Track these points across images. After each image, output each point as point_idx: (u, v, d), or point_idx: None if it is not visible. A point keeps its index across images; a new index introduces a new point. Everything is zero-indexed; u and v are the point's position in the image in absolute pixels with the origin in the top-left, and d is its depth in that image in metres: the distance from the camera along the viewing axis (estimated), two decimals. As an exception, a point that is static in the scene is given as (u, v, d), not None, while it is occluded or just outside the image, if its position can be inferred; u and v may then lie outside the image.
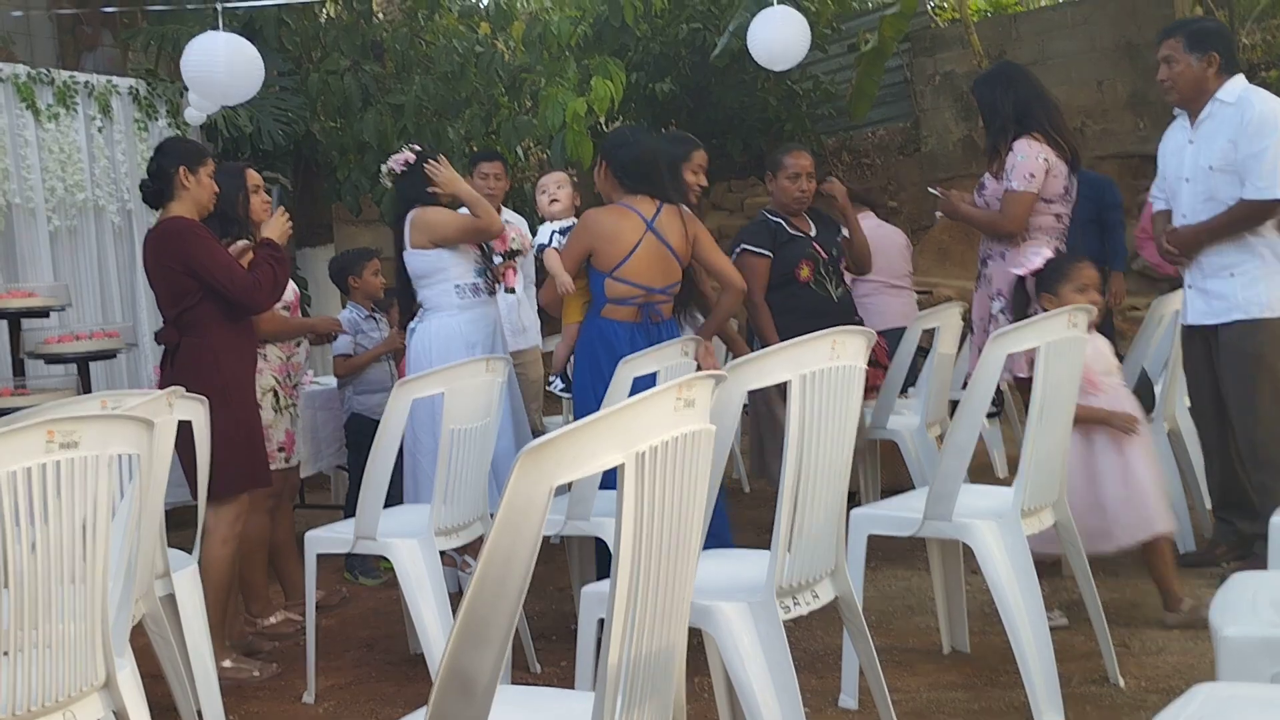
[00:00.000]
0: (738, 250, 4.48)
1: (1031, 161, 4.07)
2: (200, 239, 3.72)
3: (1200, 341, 4.00)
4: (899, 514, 3.09)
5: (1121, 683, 3.17)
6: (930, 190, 4.43)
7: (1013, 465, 4.72)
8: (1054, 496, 3.11)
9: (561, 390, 4.29)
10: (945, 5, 14.44)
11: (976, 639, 3.57)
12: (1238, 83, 3.86)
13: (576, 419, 3.26)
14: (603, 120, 9.20)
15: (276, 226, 3.94)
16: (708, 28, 11.33)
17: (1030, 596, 2.91)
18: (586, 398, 3.78)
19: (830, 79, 12.26)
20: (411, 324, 4.49)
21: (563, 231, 4.33)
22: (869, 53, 10.73)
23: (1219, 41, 3.85)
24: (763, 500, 6.05)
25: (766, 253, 4.48)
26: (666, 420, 1.47)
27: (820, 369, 2.29)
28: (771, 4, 8.39)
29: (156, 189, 3.84)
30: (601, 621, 2.49)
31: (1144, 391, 4.39)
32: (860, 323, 4.52)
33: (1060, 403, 3.02)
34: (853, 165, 12.41)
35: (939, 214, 4.64)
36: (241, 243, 3.97)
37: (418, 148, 4.45)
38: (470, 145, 7.80)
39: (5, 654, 2.06)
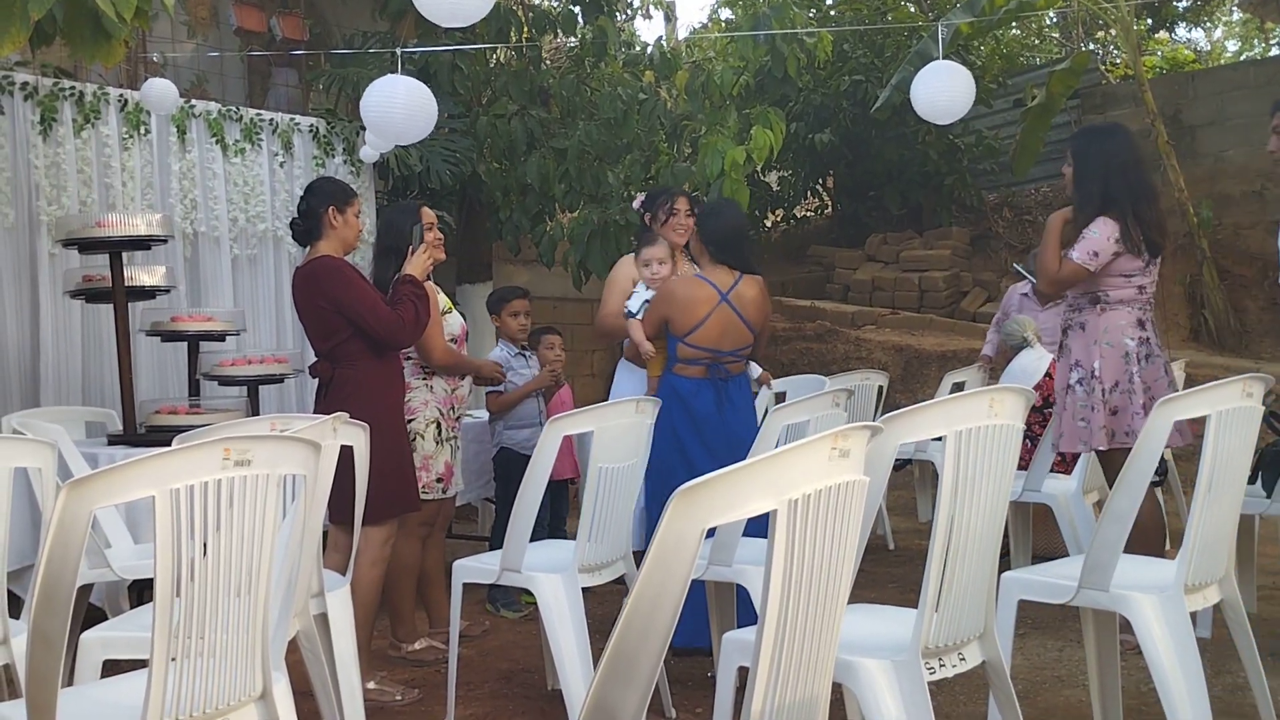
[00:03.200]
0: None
1: (1101, 242, 3.98)
2: (347, 279, 3.87)
3: None
4: (1053, 580, 2.99)
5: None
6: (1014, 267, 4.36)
7: (1174, 537, 4.53)
8: (1220, 573, 2.97)
9: None
10: (1118, 62, 14.08)
11: (1131, 717, 3.41)
12: None
13: (650, 461, 3.65)
14: (760, 169, 9.24)
15: (418, 264, 4.06)
16: (869, 80, 11.32)
17: (1193, 678, 2.77)
18: (660, 440, 3.96)
19: (994, 134, 12.09)
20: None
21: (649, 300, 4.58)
22: (1035, 108, 10.53)
23: None
24: (907, 558, 5.94)
25: None
26: (820, 469, 1.46)
27: (977, 426, 2.25)
28: (934, 56, 8.34)
29: (306, 228, 4.00)
30: (740, 670, 2.49)
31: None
32: None
33: (1230, 475, 2.89)
34: (1014, 221, 12.16)
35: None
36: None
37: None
38: (629, 190, 7.93)
39: (174, 660, 2.16)
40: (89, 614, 4.17)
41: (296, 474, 2.30)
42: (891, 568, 5.74)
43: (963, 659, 2.38)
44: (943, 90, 5.35)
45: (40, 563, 1.97)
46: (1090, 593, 2.87)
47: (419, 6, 4.16)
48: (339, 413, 3.13)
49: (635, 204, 5.08)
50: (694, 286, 4.26)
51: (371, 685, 3.87)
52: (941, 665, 2.33)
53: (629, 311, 4.64)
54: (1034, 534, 5.18)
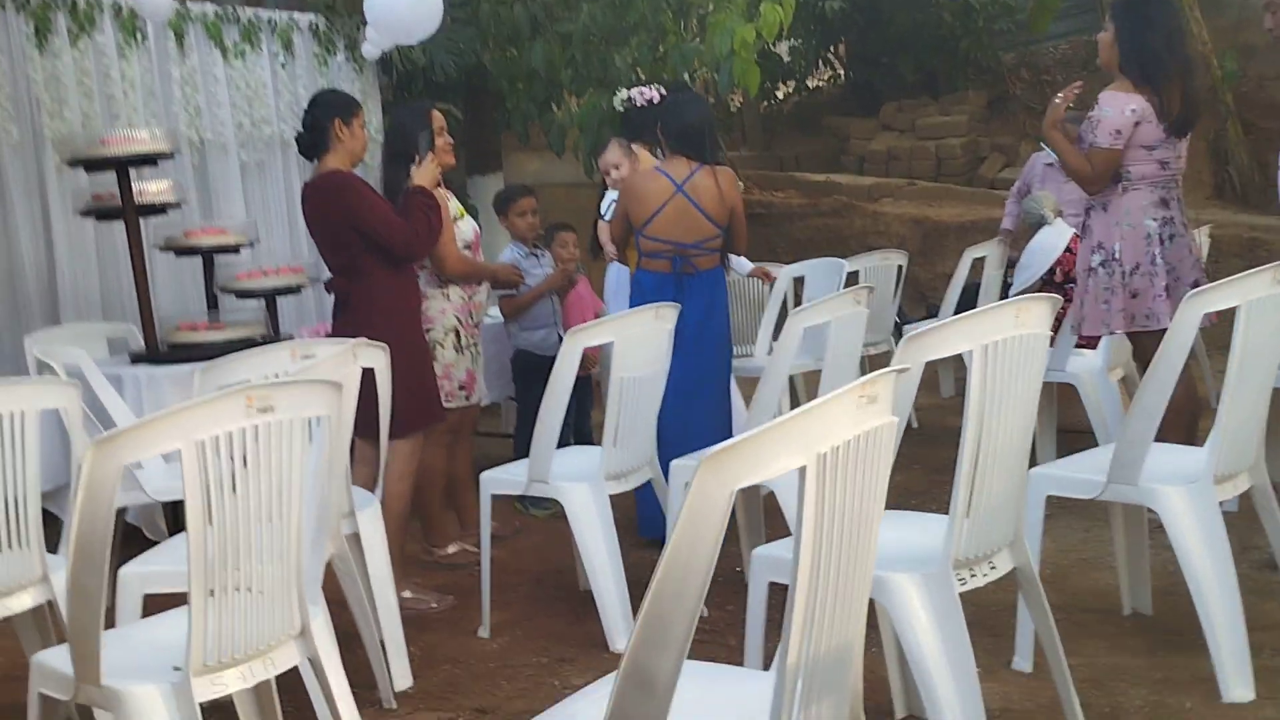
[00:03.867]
0: None
1: (1117, 116, 3.84)
2: (358, 193, 3.82)
3: None
4: (1081, 475, 2.99)
5: (1316, 658, 3.02)
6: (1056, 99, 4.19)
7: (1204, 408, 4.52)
8: (1250, 461, 2.96)
9: None
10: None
11: (1159, 599, 3.45)
12: None
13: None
14: (771, 44, 9.01)
15: (427, 173, 4.00)
16: (881, -59, 10.93)
17: (1221, 565, 2.79)
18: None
19: (1010, -9, 11.70)
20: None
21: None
22: (1054, -37, 10.19)
23: None
24: (931, 436, 5.95)
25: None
26: (849, 419, 1.44)
27: (1003, 338, 2.22)
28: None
29: (312, 141, 3.93)
30: (771, 585, 2.51)
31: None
32: None
33: (1261, 364, 2.85)
34: (1032, 82, 11.86)
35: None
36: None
37: (662, 91, 4.87)
38: (637, 71, 7.75)
39: (211, 594, 2.19)
40: (127, 532, 4.25)
41: (320, 416, 2.30)
42: (916, 447, 5.73)
43: (994, 568, 2.39)
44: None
45: (73, 521, 1.99)
46: (1119, 487, 2.88)
47: (371, 23, 4.01)
48: (359, 338, 3.12)
49: (647, 94, 5.01)
50: (649, 179, 4.34)
51: (407, 594, 3.93)
52: (973, 575, 2.35)
53: (600, 215, 4.75)
54: (1059, 408, 5.16)
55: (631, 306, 4.33)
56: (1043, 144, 5.11)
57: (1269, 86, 10.21)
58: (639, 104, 4.97)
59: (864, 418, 1.47)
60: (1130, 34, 3.91)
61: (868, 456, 1.51)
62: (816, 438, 1.39)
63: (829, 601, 1.52)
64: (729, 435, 4.18)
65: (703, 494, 1.31)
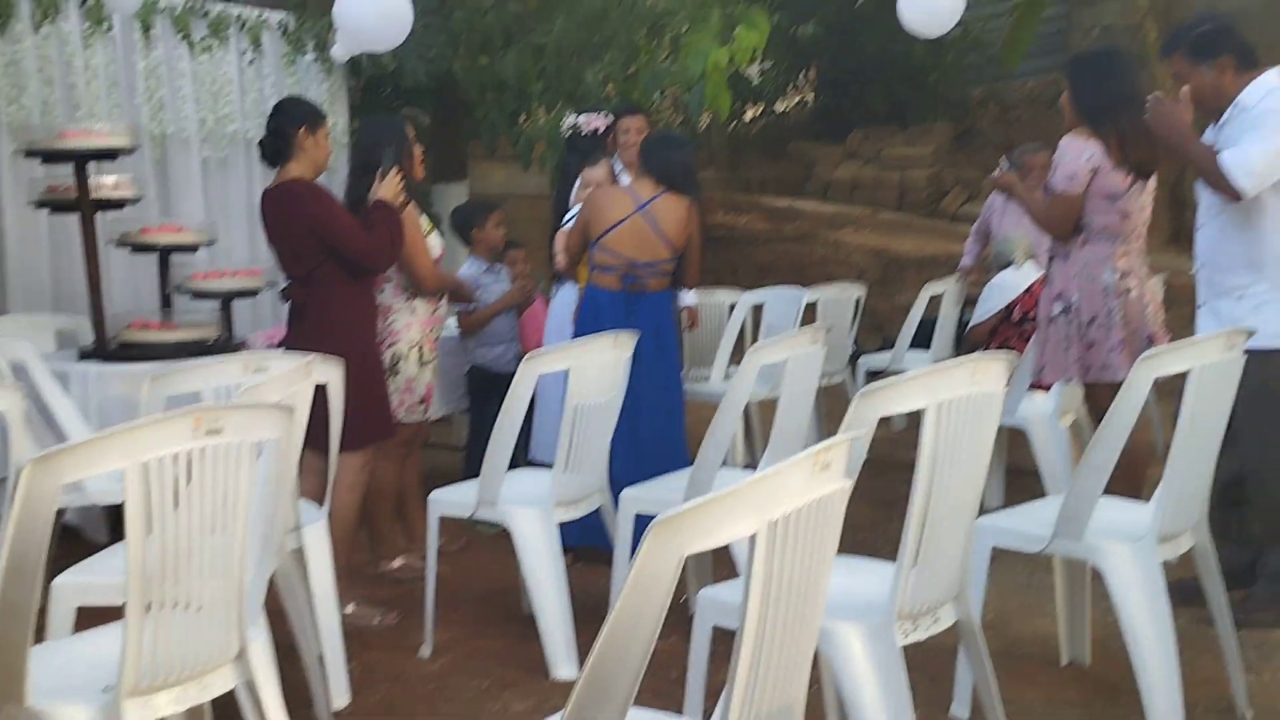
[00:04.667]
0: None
1: (1073, 161, 3.87)
2: (322, 202, 3.79)
3: None
4: (1027, 528, 3.01)
5: (1249, 715, 3.06)
6: (1001, 163, 4.27)
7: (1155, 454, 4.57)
8: (1193, 521, 3.00)
9: None
10: (1110, -50, 13.76)
11: (1098, 649, 3.48)
12: (1267, 79, 3.52)
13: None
14: (742, 68, 9.04)
15: (389, 187, 3.98)
16: (857, -30, 11.02)
17: (1161, 624, 2.82)
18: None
19: (981, 26, 11.83)
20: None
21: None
22: (1026, 1, 10.30)
23: (1227, 41, 3.52)
24: (880, 470, 5.94)
25: None
26: (802, 486, 1.44)
27: (959, 396, 2.23)
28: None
29: (276, 147, 3.89)
30: (715, 628, 2.51)
31: None
32: None
33: (1209, 427, 2.89)
34: (999, 117, 12.02)
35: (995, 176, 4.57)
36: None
37: (609, 120, 4.97)
38: (608, 87, 7.75)
39: (149, 608, 2.15)
40: (65, 533, 4.17)
41: (269, 439, 2.27)
42: (866, 479, 5.71)
43: (937, 620, 2.40)
44: (929, 1, 5.21)
45: (6, 535, 1.94)
46: (1064, 542, 2.90)
47: (339, 29, 3.99)
48: (313, 355, 3.08)
49: (594, 122, 5.02)
50: (613, 193, 4.47)
51: (350, 609, 3.89)
52: (916, 628, 2.35)
53: (558, 227, 4.83)
54: (1009, 448, 5.20)
55: (580, 320, 4.47)
56: (1006, 163, 5.11)
57: (1228, 137, 10.39)
58: (584, 132, 5.05)
59: (817, 484, 1.47)
60: (1082, 86, 3.95)
61: (819, 522, 1.51)
62: (768, 504, 1.39)
63: (773, 664, 1.52)
64: (679, 459, 4.26)
65: (651, 559, 1.30)
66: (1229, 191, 3.47)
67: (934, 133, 11.65)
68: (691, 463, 3.56)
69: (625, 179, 5.08)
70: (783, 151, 12.79)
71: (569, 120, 5.06)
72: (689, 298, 5.73)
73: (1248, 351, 3.27)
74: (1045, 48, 11.63)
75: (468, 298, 4.82)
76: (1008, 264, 5.41)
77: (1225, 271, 3.60)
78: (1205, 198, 3.66)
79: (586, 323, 4.38)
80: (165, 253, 4.92)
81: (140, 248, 4.90)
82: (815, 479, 1.46)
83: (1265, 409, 3.56)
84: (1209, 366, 2.79)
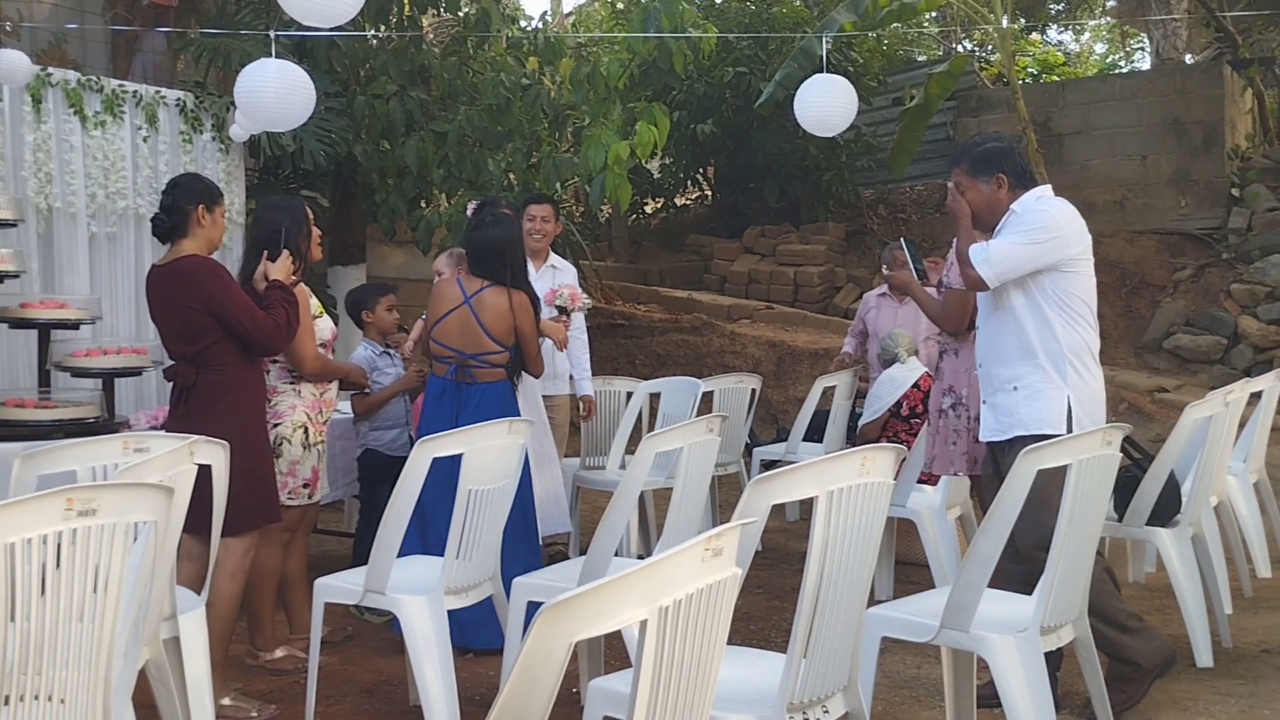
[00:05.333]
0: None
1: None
2: (222, 280, 3.73)
3: (992, 457, 3.84)
4: (915, 618, 3.04)
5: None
6: (896, 245, 4.39)
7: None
8: (1075, 613, 3.06)
9: None
10: (993, 60, 14.42)
11: (983, 741, 3.51)
12: (1036, 191, 3.72)
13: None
14: (643, 161, 9.21)
15: (282, 268, 3.95)
16: (753, 72, 11.37)
17: (1044, 713, 2.86)
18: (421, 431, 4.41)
19: (872, 131, 12.27)
20: None
21: None
22: (914, 109, 10.73)
23: (1004, 161, 3.72)
24: (774, 561, 6.00)
25: None
26: (693, 572, 1.44)
27: (849, 485, 2.26)
28: (818, 54, 8.40)
29: (171, 224, 3.83)
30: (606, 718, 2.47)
31: (1171, 495, 4.33)
32: None
33: (1088, 520, 2.97)
34: (888, 219, 12.40)
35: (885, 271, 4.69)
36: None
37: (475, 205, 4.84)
38: (510, 177, 7.81)
39: (7, 700, 2.04)
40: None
41: (146, 521, 2.19)
42: (759, 570, 5.80)
43: (826, 712, 2.40)
44: (825, 103, 5.39)
45: None
46: (951, 633, 2.93)
47: (284, 5, 3.99)
48: (197, 435, 3.00)
49: (469, 210, 5.02)
50: (446, 286, 4.52)
51: (226, 701, 3.74)
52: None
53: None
54: (896, 541, 5.28)
55: (423, 408, 4.58)
56: (903, 245, 5.23)
57: (1104, 243, 10.87)
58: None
59: (708, 570, 1.47)
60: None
61: (710, 608, 1.50)
62: (659, 591, 1.38)
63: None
64: (532, 551, 4.22)
65: (540, 644, 1.28)
66: (973, 278, 3.65)
67: (827, 231, 11.97)
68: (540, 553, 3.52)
69: (530, 268, 5.11)
70: (681, 244, 13.00)
71: (472, 205, 5.06)
72: (586, 386, 5.76)
73: (1020, 438, 3.45)
74: (931, 153, 12.11)
75: (358, 384, 4.76)
76: (893, 359, 5.54)
77: (1001, 365, 3.70)
78: (982, 300, 3.81)
79: (424, 410, 4.52)
80: (46, 329, 4.76)
81: (19, 323, 4.74)
82: (706, 565, 1.46)
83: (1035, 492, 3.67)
84: (1088, 461, 2.88)
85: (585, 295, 5.22)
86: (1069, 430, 3.46)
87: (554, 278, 5.51)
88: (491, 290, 4.39)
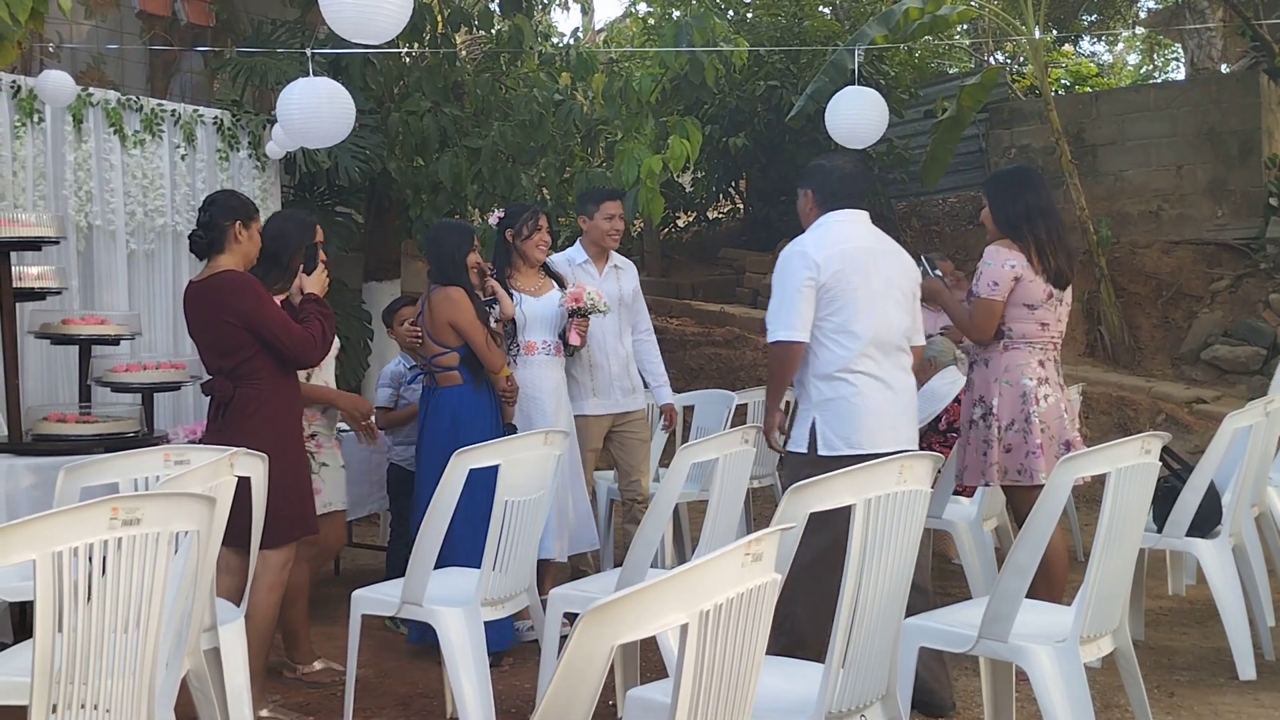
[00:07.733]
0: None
1: (997, 269, 4.07)
2: (258, 294, 3.76)
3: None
4: (953, 629, 3.02)
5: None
6: (923, 259, 4.42)
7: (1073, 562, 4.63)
8: (1115, 624, 3.03)
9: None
10: (1025, 72, 14.35)
11: (1023, 754, 3.48)
12: (820, 222, 3.89)
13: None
14: (676, 175, 9.22)
15: (318, 281, 3.99)
16: (785, 86, 11.36)
17: (1084, 726, 2.83)
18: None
19: (904, 144, 12.23)
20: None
21: None
22: (946, 121, 10.69)
23: (815, 180, 3.95)
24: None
25: None
26: (733, 577, 1.44)
27: (886, 493, 2.25)
28: (850, 68, 8.39)
29: (208, 240, 3.86)
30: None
31: (1211, 505, 4.29)
32: None
33: (1128, 529, 2.95)
34: (921, 231, 12.35)
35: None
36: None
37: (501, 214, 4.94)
38: (543, 192, 7.85)
39: (55, 709, 2.06)
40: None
41: (188, 530, 2.21)
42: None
43: (865, 722, 2.39)
44: (855, 115, 5.39)
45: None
46: (989, 643, 2.91)
47: (328, 20, 4.04)
48: (237, 448, 3.03)
49: (493, 219, 5.02)
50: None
51: (265, 713, 3.77)
52: (844, 729, 2.34)
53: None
54: (933, 553, 5.24)
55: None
56: (926, 259, 5.18)
57: (1140, 254, 10.78)
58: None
59: (747, 575, 1.47)
60: (1000, 203, 4.19)
61: (749, 613, 1.50)
62: (700, 595, 1.39)
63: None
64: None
65: (582, 648, 1.29)
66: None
67: (860, 243, 11.91)
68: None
69: (594, 270, 5.13)
70: (714, 257, 13.00)
71: (494, 217, 5.03)
72: (665, 394, 5.51)
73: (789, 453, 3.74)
74: (963, 165, 12.05)
75: (355, 413, 4.43)
76: (951, 361, 5.49)
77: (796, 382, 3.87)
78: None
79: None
80: (86, 345, 4.83)
81: (61, 339, 4.81)
82: (746, 570, 1.46)
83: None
84: (1127, 469, 2.86)
85: (593, 292, 4.86)
86: (812, 449, 3.65)
87: (618, 279, 5.26)
88: (435, 289, 4.53)
